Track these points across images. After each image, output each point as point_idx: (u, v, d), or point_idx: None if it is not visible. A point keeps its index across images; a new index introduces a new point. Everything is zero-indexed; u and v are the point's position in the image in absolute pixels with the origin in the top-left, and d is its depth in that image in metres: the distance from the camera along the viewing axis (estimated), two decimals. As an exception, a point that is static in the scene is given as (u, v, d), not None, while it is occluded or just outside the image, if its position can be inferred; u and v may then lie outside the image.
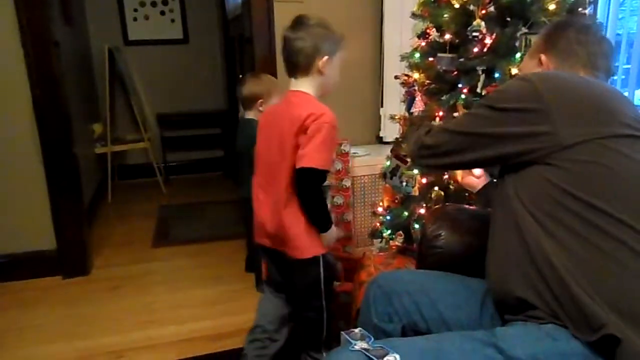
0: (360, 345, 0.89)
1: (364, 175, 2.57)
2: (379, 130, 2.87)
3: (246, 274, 2.57)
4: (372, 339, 0.93)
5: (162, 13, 4.42)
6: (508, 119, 1.04)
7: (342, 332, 0.97)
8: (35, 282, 2.56)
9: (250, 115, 2.35)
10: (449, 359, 0.91)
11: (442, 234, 1.45)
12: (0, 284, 2.52)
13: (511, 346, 0.91)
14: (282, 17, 2.64)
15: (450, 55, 1.77)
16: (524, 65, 1.33)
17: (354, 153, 2.56)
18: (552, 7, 1.64)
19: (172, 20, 4.45)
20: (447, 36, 1.80)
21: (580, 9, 1.71)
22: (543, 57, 1.22)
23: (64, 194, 2.57)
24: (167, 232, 3.32)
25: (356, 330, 0.95)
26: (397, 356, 0.85)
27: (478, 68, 1.74)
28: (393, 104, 2.63)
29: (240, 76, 3.53)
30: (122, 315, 2.23)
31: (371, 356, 0.85)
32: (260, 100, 2.30)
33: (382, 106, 2.80)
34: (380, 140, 2.88)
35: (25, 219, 2.56)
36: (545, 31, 1.28)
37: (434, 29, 1.86)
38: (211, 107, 4.60)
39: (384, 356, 0.84)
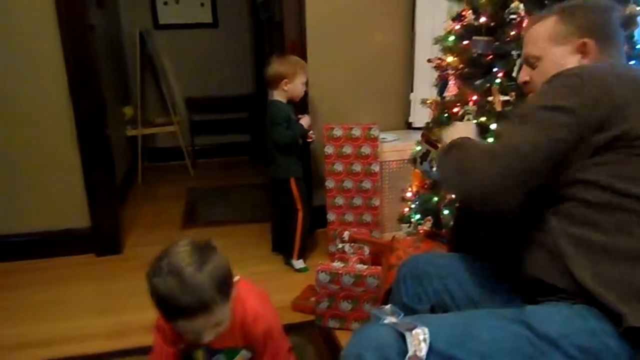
0: (389, 319, 0.90)
1: (393, 161, 2.56)
2: (409, 115, 2.85)
3: (273, 256, 2.60)
4: (402, 314, 0.94)
5: (192, -3, 4.45)
6: (586, 114, 0.94)
7: (373, 309, 0.98)
8: (70, 259, 2.64)
9: (275, 95, 2.38)
10: (478, 333, 0.91)
11: (475, 218, 1.44)
12: (37, 260, 2.62)
13: (540, 323, 0.91)
14: (313, 1, 2.63)
15: (486, 38, 1.74)
16: (548, 52, 1.16)
17: (383, 138, 2.55)
18: (594, -12, 1.59)
19: (202, 4, 4.47)
20: (483, 19, 1.77)
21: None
22: (590, 42, 1.12)
23: (98, 175, 2.64)
24: (196, 214, 3.38)
25: (386, 307, 0.96)
26: (426, 329, 0.85)
27: (514, 52, 1.71)
28: (424, 88, 2.60)
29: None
30: (153, 293, 2.28)
31: (400, 329, 0.86)
32: (285, 80, 2.33)
33: (412, 91, 2.77)
34: (409, 126, 2.86)
35: (60, 198, 2.64)
36: (589, 13, 1.16)
37: (470, 11, 1.83)
38: (239, 92, 4.63)
39: (412, 329, 0.85)
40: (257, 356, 1.36)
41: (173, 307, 1.09)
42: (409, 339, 0.84)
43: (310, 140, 2.52)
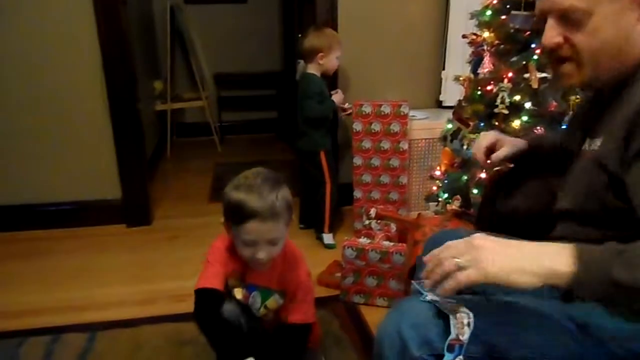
0: (431, 296, 0.88)
1: (422, 139, 2.53)
2: (439, 93, 2.80)
3: (299, 231, 2.62)
4: None
5: (222, -28, 4.42)
6: None
7: (413, 282, 0.96)
8: (102, 228, 2.71)
9: (310, 69, 2.37)
10: (524, 324, 0.86)
11: (504, 197, 1.42)
12: (69, 229, 2.69)
13: (590, 321, 0.85)
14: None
15: (525, 13, 1.69)
16: (600, 7, 0.87)
17: (412, 116, 2.52)
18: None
19: (232, -21, 4.45)
20: (522, -8, 1.71)
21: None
22: None
23: (129, 148, 2.69)
24: (223, 187, 3.37)
25: (426, 281, 0.93)
26: (470, 313, 0.81)
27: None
28: (456, 66, 2.55)
29: (299, 36, 3.51)
30: (182, 263, 2.33)
31: (443, 310, 0.83)
32: (321, 54, 2.31)
33: (444, 69, 2.72)
34: (439, 104, 2.81)
35: (93, 169, 2.70)
36: None
37: (510, -15, 1.77)
38: (267, 68, 4.62)
39: (456, 312, 0.81)
40: (286, 302, 1.42)
41: (249, 210, 1.21)
42: (452, 322, 0.80)
43: (348, 113, 2.48)
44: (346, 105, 2.48)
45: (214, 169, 3.78)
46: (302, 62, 3.25)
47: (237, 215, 1.25)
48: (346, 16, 2.63)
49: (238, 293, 1.42)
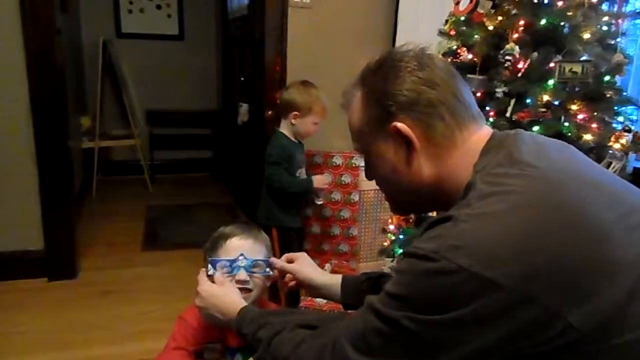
0: None
1: (372, 190, 2.52)
2: (387, 144, 2.83)
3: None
4: None
5: (159, 7, 4.31)
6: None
7: None
8: (20, 283, 2.41)
9: (282, 126, 2.11)
10: None
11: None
12: (-21, 284, 2.37)
13: None
14: (295, 21, 2.58)
15: (480, 77, 1.75)
16: (371, 146, 0.83)
17: (363, 167, 2.51)
18: (586, 36, 1.64)
19: (169, 16, 4.34)
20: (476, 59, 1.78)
21: (611, 41, 1.72)
22: (403, 127, 0.75)
23: (55, 191, 2.45)
24: (157, 234, 3.20)
25: None
26: None
27: (499, 90, 1.72)
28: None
29: (242, 79, 3.45)
30: (115, 324, 2.11)
31: None
32: (295, 113, 2.04)
33: (391, 121, 2.76)
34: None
35: (13, 217, 2.43)
36: (397, 73, 0.78)
37: (465, 50, 1.83)
38: (203, 107, 4.50)
39: None
40: None
41: (230, 231, 1.21)
42: None
43: (317, 202, 2.27)
44: (319, 194, 2.23)
45: (145, 212, 3.54)
46: (245, 105, 3.18)
47: (220, 238, 1.21)
48: (296, 60, 2.59)
49: None
